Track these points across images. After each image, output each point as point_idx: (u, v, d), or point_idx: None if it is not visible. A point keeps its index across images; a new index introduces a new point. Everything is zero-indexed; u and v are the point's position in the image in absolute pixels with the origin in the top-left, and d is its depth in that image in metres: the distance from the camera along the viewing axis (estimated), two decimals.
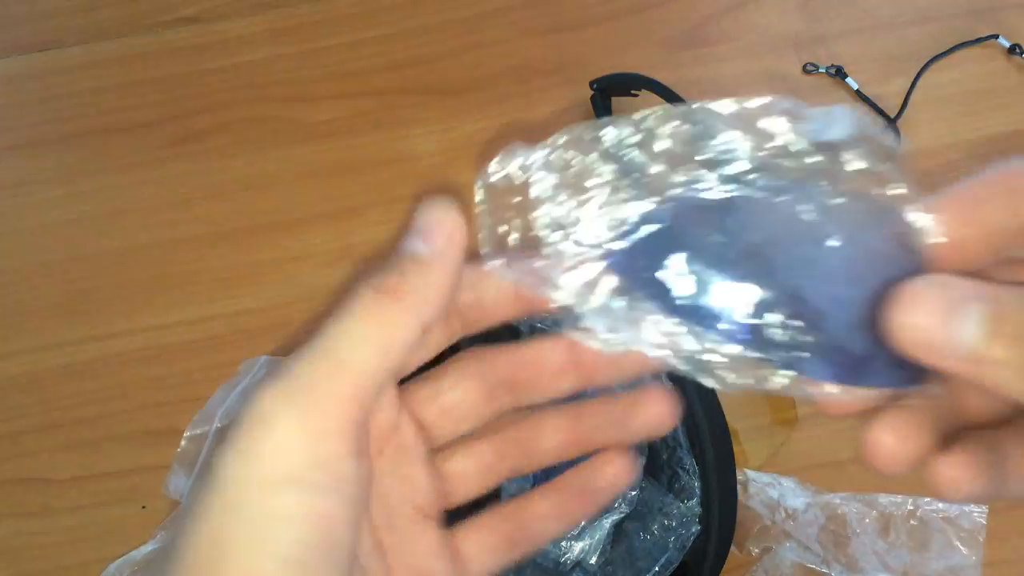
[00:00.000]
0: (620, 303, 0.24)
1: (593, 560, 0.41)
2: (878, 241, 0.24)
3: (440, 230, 0.27)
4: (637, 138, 0.25)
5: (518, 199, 0.25)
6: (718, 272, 0.23)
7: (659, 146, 0.24)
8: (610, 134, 0.25)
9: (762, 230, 0.24)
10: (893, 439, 0.23)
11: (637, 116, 0.25)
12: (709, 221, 0.24)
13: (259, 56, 0.69)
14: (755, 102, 0.24)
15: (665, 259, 0.23)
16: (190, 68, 0.69)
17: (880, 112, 0.62)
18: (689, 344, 0.23)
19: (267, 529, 0.23)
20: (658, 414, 0.28)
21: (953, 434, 0.24)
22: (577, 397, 0.32)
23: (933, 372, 0.22)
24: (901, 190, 0.24)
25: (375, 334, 0.25)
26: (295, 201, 0.63)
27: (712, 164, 0.24)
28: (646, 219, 0.24)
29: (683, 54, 0.67)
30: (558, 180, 0.25)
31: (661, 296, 0.23)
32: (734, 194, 0.24)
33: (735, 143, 0.24)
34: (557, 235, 0.25)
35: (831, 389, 0.23)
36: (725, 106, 0.24)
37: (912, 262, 0.23)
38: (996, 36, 0.64)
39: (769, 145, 0.24)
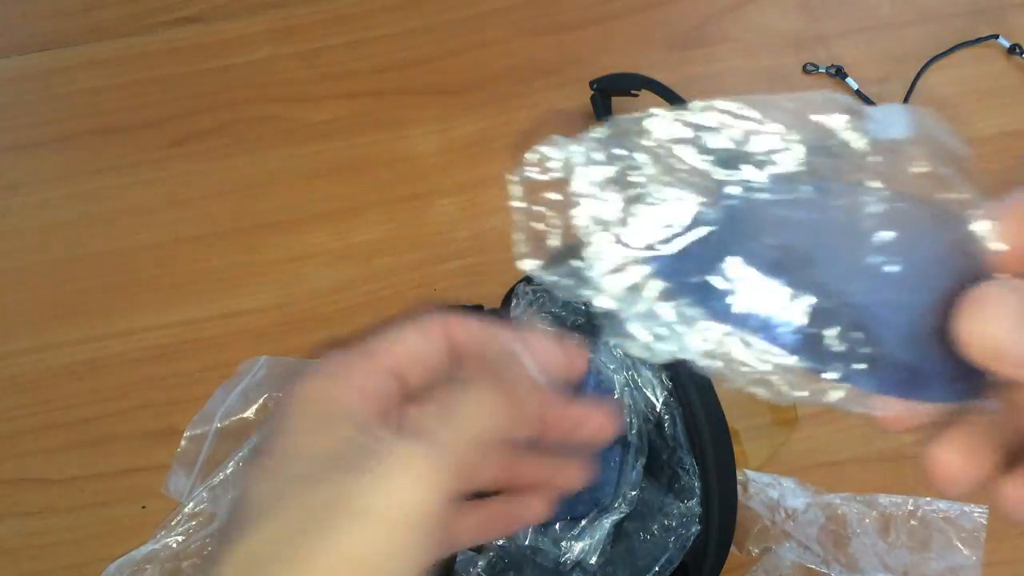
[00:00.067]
0: (667, 309, 0.22)
1: (593, 560, 0.41)
2: (939, 247, 0.22)
3: (558, 365, 0.28)
4: (685, 133, 0.23)
5: (557, 195, 0.24)
6: (771, 278, 0.21)
7: (708, 142, 0.23)
8: (656, 128, 0.23)
9: (818, 234, 0.22)
10: (957, 458, 0.22)
11: (685, 109, 0.23)
12: (762, 224, 0.22)
13: (259, 56, 0.69)
14: (812, 96, 0.23)
15: (715, 263, 0.22)
16: (190, 68, 0.69)
17: None
18: (740, 353, 0.21)
19: None
20: (600, 427, 0.29)
21: (1017, 452, 0.22)
22: None
23: (995, 385, 0.21)
24: (963, 195, 0.22)
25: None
26: (295, 201, 0.63)
27: (764, 163, 0.22)
28: (695, 221, 0.22)
29: (683, 54, 0.67)
30: (601, 176, 0.23)
31: (710, 302, 0.22)
32: (788, 196, 0.22)
33: (789, 141, 0.23)
34: (599, 235, 0.23)
35: (889, 403, 0.22)
36: (779, 101, 0.23)
37: (974, 270, 0.22)
38: (996, 36, 0.64)
39: (825, 143, 0.23)
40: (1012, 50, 0.64)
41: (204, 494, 0.51)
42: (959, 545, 0.47)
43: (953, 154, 0.23)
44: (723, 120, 0.23)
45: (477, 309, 0.49)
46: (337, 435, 0.26)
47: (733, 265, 0.22)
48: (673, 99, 0.57)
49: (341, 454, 0.25)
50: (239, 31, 0.70)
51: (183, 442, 0.53)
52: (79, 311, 0.60)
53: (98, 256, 0.62)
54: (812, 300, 0.21)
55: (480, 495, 0.31)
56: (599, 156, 0.23)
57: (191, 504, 0.51)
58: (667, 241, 0.22)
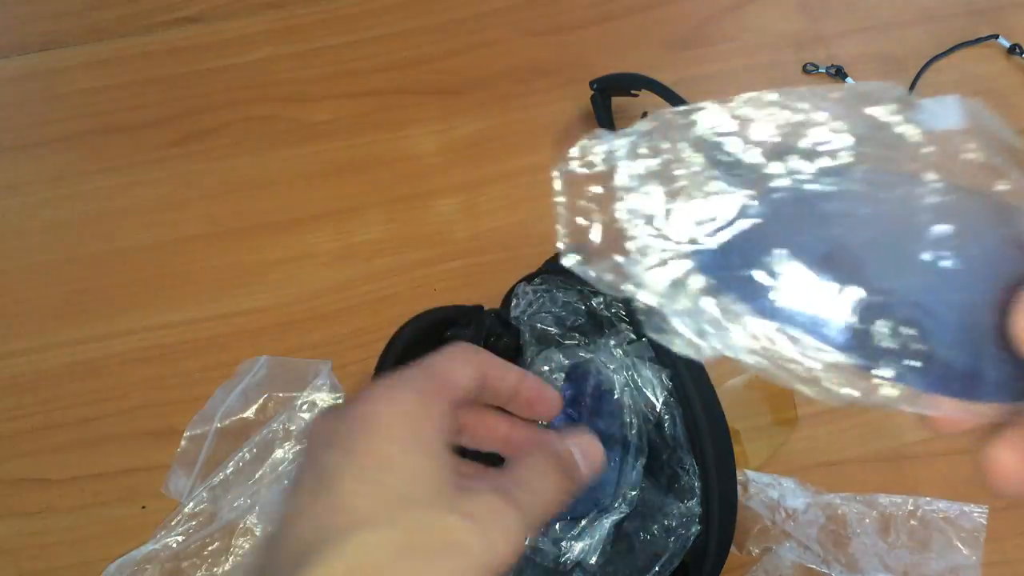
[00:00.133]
0: (711, 304, 0.21)
1: (593, 560, 0.41)
2: (995, 240, 0.21)
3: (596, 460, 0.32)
4: (731, 125, 0.22)
5: (599, 189, 0.23)
6: (820, 272, 0.21)
7: (755, 135, 0.22)
8: (702, 120, 0.22)
9: (868, 227, 0.21)
10: (1015, 458, 0.21)
11: (731, 101, 0.23)
12: (810, 217, 0.21)
13: (259, 56, 0.69)
14: (861, 87, 0.22)
15: (762, 257, 0.21)
16: (190, 68, 0.69)
17: None
18: (787, 350, 0.21)
19: None
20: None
21: None
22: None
23: None
24: (1019, 185, 0.22)
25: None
26: (295, 201, 0.63)
27: (813, 154, 0.22)
28: (741, 214, 0.22)
29: (683, 54, 0.67)
30: (645, 169, 0.22)
31: (756, 297, 0.21)
32: (837, 188, 0.22)
33: (838, 132, 0.22)
34: (642, 229, 0.22)
35: (944, 403, 0.21)
36: (826, 91, 0.22)
37: None
38: (996, 36, 0.64)
39: (876, 134, 0.22)
40: (1012, 50, 0.64)
41: (204, 494, 0.51)
42: (959, 545, 0.47)
43: (1006, 144, 0.22)
44: (770, 112, 0.22)
45: (477, 309, 0.49)
46: (434, 461, 0.29)
47: (780, 259, 0.21)
48: (673, 99, 0.57)
49: (441, 484, 0.28)
50: (239, 31, 0.70)
51: (183, 442, 0.54)
52: (79, 311, 0.60)
53: (98, 256, 0.62)
54: (862, 295, 0.20)
55: None
56: (643, 149, 0.23)
57: (191, 504, 0.51)
58: (712, 235, 0.22)
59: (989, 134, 0.22)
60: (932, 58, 0.64)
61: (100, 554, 0.51)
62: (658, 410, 0.43)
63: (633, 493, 0.42)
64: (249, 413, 0.54)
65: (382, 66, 0.68)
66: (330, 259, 0.60)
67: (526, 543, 0.40)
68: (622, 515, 0.42)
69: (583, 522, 0.41)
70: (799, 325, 0.21)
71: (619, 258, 0.22)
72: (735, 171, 0.22)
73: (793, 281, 0.21)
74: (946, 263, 0.21)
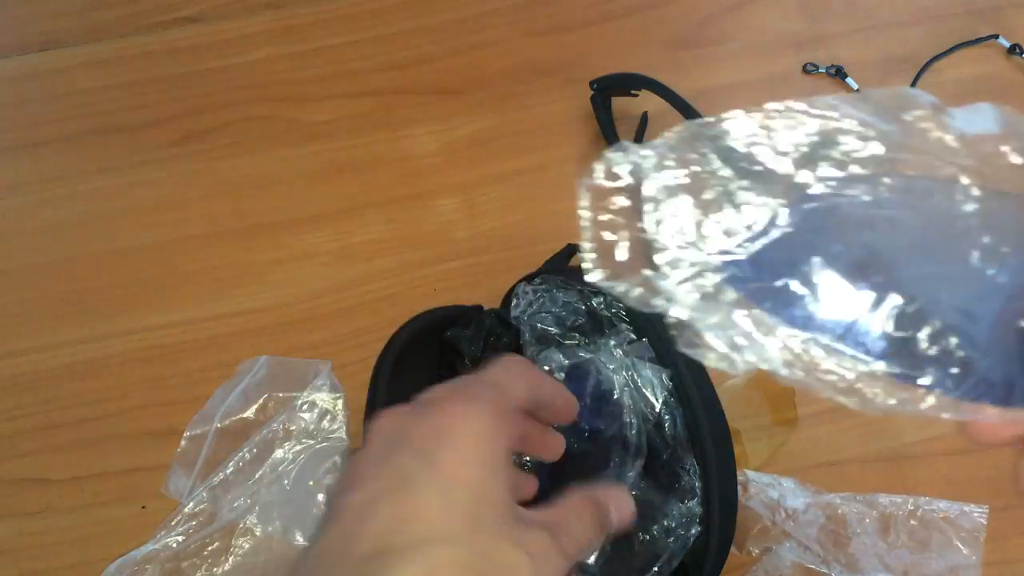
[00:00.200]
0: (744, 317, 0.21)
1: (592, 560, 0.41)
2: None
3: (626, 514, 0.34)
4: (760, 135, 0.22)
5: (627, 202, 0.23)
6: (855, 280, 0.20)
7: (784, 144, 0.22)
8: (730, 131, 0.22)
9: (904, 234, 0.21)
10: None
11: (759, 111, 0.22)
12: (843, 225, 0.21)
13: (259, 56, 0.69)
14: (891, 93, 0.22)
15: (795, 267, 0.21)
16: (190, 68, 0.69)
17: None
18: (824, 361, 0.20)
19: None
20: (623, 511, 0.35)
21: None
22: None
23: None
24: None
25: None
26: (295, 201, 0.63)
27: (843, 162, 0.21)
28: (772, 224, 0.21)
29: (683, 54, 0.67)
30: (673, 181, 0.22)
31: (790, 308, 0.21)
32: (869, 195, 0.21)
33: (868, 139, 0.21)
34: (672, 241, 0.22)
35: (985, 410, 0.20)
36: (856, 99, 0.22)
37: None
38: (996, 36, 0.64)
39: (909, 141, 0.21)
40: (1012, 50, 0.64)
41: (204, 494, 0.51)
42: (959, 545, 0.47)
43: None
44: (799, 121, 0.22)
45: (477, 309, 0.49)
46: (501, 484, 0.30)
47: (813, 268, 0.21)
48: (673, 99, 0.57)
49: (506, 509, 0.30)
50: (239, 31, 0.70)
51: (183, 442, 0.54)
52: (79, 311, 0.60)
53: (98, 256, 0.62)
54: (900, 302, 0.20)
55: None
56: (670, 161, 0.22)
57: (191, 504, 0.51)
58: (743, 246, 0.21)
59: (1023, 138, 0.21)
60: (932, 58, 0.64)
61: (100, 554, 0.51)
62: (658, 410, 0.43)
63: (633, 493, 0.42)
64: (249, 413, 0.54)
65: (382, 66, 0.68)
66: (330, 259, 0.60)
67: None
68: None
69: None
70: (835, 335, 0.20)
71: (648, 272, 0.22)
72: (765, 181, 0.22)
73: (828, 290, 0.20)
74: (986, 269, 0.20)
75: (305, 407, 0.53)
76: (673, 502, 0.41)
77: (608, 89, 0.61)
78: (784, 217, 0.21)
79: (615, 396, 0.43)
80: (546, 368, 0.44)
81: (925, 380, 0.20)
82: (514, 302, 0.47)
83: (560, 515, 0.32)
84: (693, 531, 0.41)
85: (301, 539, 0.49)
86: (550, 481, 0.39)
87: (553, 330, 0.46)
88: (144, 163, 0.65)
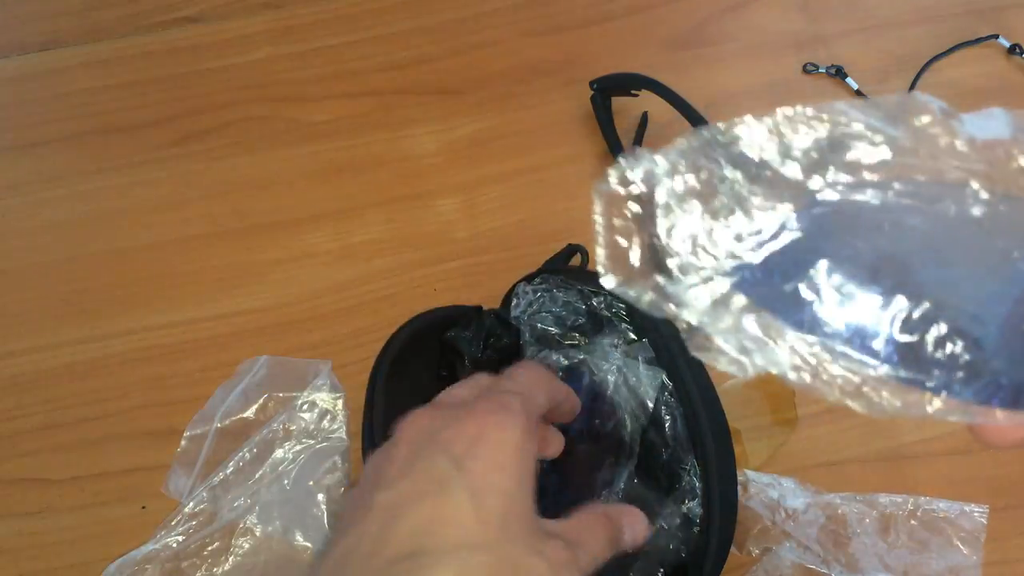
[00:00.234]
0: (753, 322, 0.21)
1: None
2: None
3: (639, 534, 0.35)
4: (771, 141, 0.22)
5: (640, 209, 0.23)
6: (864, 284, 0.21)
7: (796, 149, 0.22)
8: (742, 137, 0.23)
9: (913, 238, 0.21)
10: None
11: (771, 117, 0.23)
12: (853, 229, 0.21)
13: (259, 56, 0.69)
14: (900, 99, 0.22)
15: (803, 271, 0.21)
16: (190, 68, 0.69)
17: None
18: (832, 366, 0.21)
19: None
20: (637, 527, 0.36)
21: None
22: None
23: None
24: None
25: None
26: (295, 201, 0.63)
27: (853, 167, 0.22)
28: (782, 229, 0.22)
29: (683, 54, 0.67)
30: (685, 187, 0.22)
31: (799, 312, 0.21)
32: (880, 200, 0.21)
33: (878, 144, 0.22)
34: (683, 247, 0.22)
35: (997, 414, 0.21)
36: (866, 105, 0.22)
37: None
38: (996, 36, 0.64)
39: (919, 146, 0.22)
40: (1012, 50, 0.64)
41: (204, 494, 0.51)
42: (959, 545, 0.47)
43: None
44: (809, 126, 0.22)
45: (477, 309, 0.49)
46: (528, 493, 0.31)
47: (823, 272, 0.21)
48: (673, 99, 0.56)
49: (531, 519, 0.31)
50: (239, 31, 0.70)
51: (183, 442, 0.54)
52: (79, 311, 0.60)
53: (98, 256, 0.62)
54: (908, 306, 0.20)
55: None
56: (682, 168, 0.23)
57: (191, 504, 0.51)
58: (754, 251, 0.22)
59: None
60: (932, 58, 0.64)
61: (100, 554, 0.51)
62: (657, 410, 0.43)
63: (634, 494, 0.42)
64: (249, 413, 0.54)
65: (382, 66, 0.68)
66: (330, 259, 0.60)
67: None
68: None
69: None
70: (844, 339, 0.21)
71: (660, 278, 0.22)
72: (775, 186, 0.22)
73: (836, 294, 0.21)
74: (995, 273, 0.21)
75: (305, 407, 0.53)
76: (673, 502, 0.41)
77: (608, 89, 0.61)
78: (794, 222, 0.22)
79: (608, 396, 0.43)
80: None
81: (932, 384, 0.20)
82: (514, 302, 0.47)
83: (577, 529, 0.32)
84: (693, 531, 0.41)
85: (301, 539, 0.49)
86: (541, 479, 0.39)
87: (553, 330, 0.46)
88: (144, 163, 0.65)
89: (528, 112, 0.65)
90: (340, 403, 0.53)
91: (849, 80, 0.64)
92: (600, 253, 0.23)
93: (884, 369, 0.20)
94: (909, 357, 0.20)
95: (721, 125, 0.23)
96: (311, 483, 0.51)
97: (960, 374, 0.20)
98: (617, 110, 0.62)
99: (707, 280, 0.22)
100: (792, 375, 0.21)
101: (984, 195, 0.21)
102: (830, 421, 0.52)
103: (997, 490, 0.49)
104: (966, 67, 0.64)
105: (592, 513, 0.34)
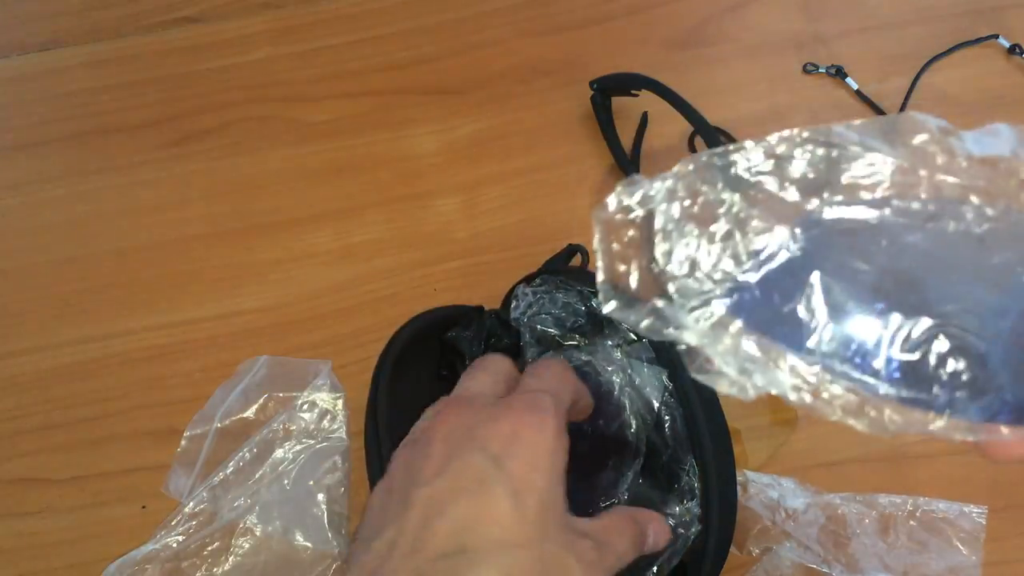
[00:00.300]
0: (753, 343, 0.21)
1: None
2: None
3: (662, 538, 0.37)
4: (769, 164, 0.22)
5: (639, 234, 0.23)
6: (863, 303, 0.21)
7: (793, 172, 0.22)
8: (739, 161, 0.23)
9: (912, 256, 0.21)
10: None
11: (768, 140, 0.23)
12: (850, 248, 0.21)
13: (259, 56, 0.69)
14: (898, 118, 0.22)
15: (802, 292, 0.21)
16: (190, 68, 0.69)
17: (880, 112, 0.62)
18: (833, 385, 0.21)
19: None
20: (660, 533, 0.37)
21: None
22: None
23: None
24: None
25: None
26: (295, 201, 0.63)
27: (852, 188, 0.22)
28: (781, 251, 0.22)
29: (683, 54, 0.67)
30: (683, 212, 0.23)
31: (798, 332, 0.21)
32: (878, 220, 0.21)
33: (876, 164, 0.22)
34: (682, 270, 0.22)
35: (1000, 430, 0.20)
36: (863, 125, 0.22)
37: None
38: (996, 36, 0.64)
39: (918, 165, 0.22)
40: (1012, 50, 0.64)
41: (204, 494, 0.51)
42: (959, 545, 0.47)
43: None
44: (806, 148, 0.22)
45: (477, 310, 0.49)
46: (561, 493, 0.32)
47: (822, 292, 0.21)
48: (673, 99, 0.56)
49: (565, 518, 0.31)
50: (239, 31, 0.70)
51: (183, 442, 0.54)
52: (79, 311, 0.60)
53: (98, 256, 0.62)
54: (908, 325, 0.20)
55: None
56: (680, 192, 0.23)
57: (191, 504, 0.51)
58: (752, 272, 0.22)
59: None
60: (932, 58, 0.64)
61: (100, 554, 0.51)
62: (657, 410, 0.43)
63: (637, 494, 0.42)
64: (249, 413, 0.54)
65: (382, 66, 0.68)
66: (330, 259, 0.60)
67: None
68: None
69: None
70: (844, 359, 0.21)
71: (659, 301, 0.22)
72: (774, 208, 0.22)
73: (836, 314, 0.21)
74: (996, 289, 0.20)
75: (305, 407, 0.53)
76: (673, 502, 0.41)
77: (608, 89, 0.61)
78: (792, 243, 0.22)
79: (614, 396, 0.43)
80: None
81: (936, 402, 0.20)
82: (514, 304, 0.47)
83: (605, 529, 0.33)
84: (693, 531, 0.41)
85: (301, 539, 0.49)
86: None
87: (553, 331, 0.46)
88: (144, 163, 0.65)
89: (528, 112, 0.65)
90: (340, 403, 0.53)
91: (849, 80, 0.64)
92: (599, 278, 0.23)
93: (886, 388, 0.20)
94: (911, 376, 0.20)
95: (719, 149, 0.23)
96: (311, 483, 0.51)
97: (963, 392, 0.20)
98: (617, 110, 0.62)
99: (706, 303, 0.22)
100: (792, 395, 0.21)
101: (985, 211, 0.21)
102: (830, 421, 0.52)
103: (996, 490, 0.49)
104: (966, 67, 0.64)
105: (621, 515, 0.35)
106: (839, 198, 0.22)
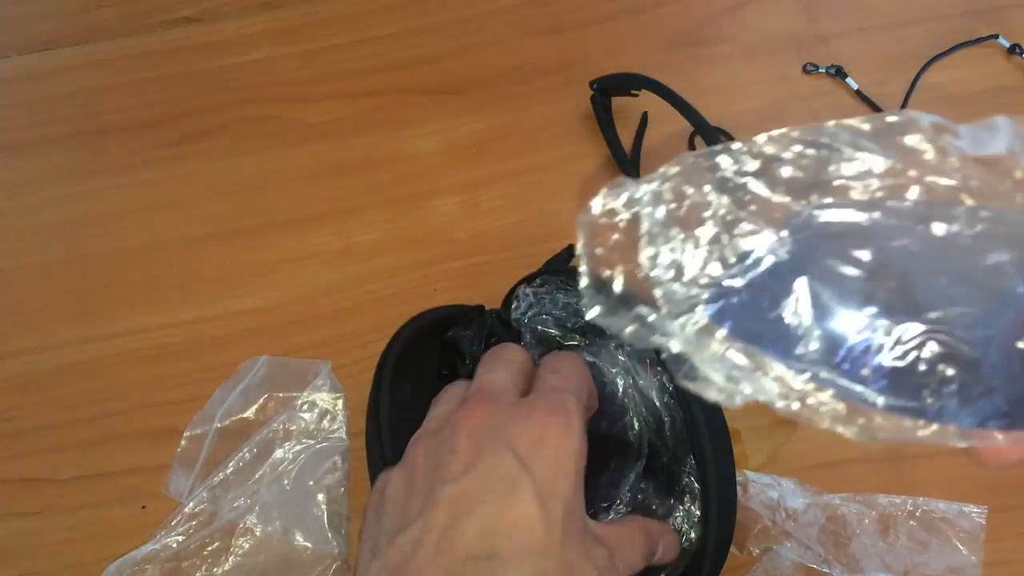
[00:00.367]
0: (739, 351, 0.21)
1: None
2: None
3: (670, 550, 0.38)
4: (756, 165, 0.22)
5: (624, 238, 0.23)
6: (851, 309, 0.20)
7: (781, 173, 0.22)
8: (725, 163, 0.22)
9: (902, 260, 0.20)
10: None
11: (756, 140, 0.22)
12: (839, 251, 0.21)
13: (259, 56, 0.69)
14: (889, 117, 0.21)
15: (789, 297, 0.20)
16: (190, 68, 0.69)
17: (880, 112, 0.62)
18: (821, 393, 0.20)
19: None
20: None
21: None
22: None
23: None
24: None
25: None
26: (295, 201, 0.63)
27: (842, 190, 0.21)
28: (768, 254, 0.21)
29: (683, 54, 0.67)
30: (669, 215, 0.22)
31: (786, 339, 0.20)
32: (868, 222, 0.21)
33: (868, 164, 0.21)
34: (667, 275, 0.22)
35: (992, 436, 0.20)
36: (856, 124, 0.22)
37: None
38: (996, 36, 0.64)
39: (909, 164, 0.21)
40: (1012, 50, 0.64)
41: (204, 494, 0.51)
42: (959, 545, 0.47)
43: None
44: (795, 149, 0.22)
45: (478, 309, 0.49)
46: (582, 497, 0.32)
47: (806, 297, 0.20)
48: (673, 99, 0.56)
49: (584, 522, 0.32)
50: (239, 31, 0.70)
51: (183, 442, 0.54)
52: (79, 311, 0.60)
53: (98, 256, 0.62)
54: (898, 330, 0.20)
55: None
56: (667, 195, 0.22)
57: (191, 504, 0.51)
58: (739, 277, 0.21)
59: None
60: (932, 58, 0.64)
61: (100, 554, 0.51)
62: (659, 411, 0.43)
63: (633, 494, 0.42)
64: (249, 413, 0.54)
65: (382, 66, 0.68)
66: (330, 259, 0.60)
67: None
68: (621, 515, 0.42)
69: None
70: (832, 366, 0.20)
71: (645, 307, 0.22)
72: (762, 210, 0.21)
73: (824, 320, 0.20)
74: (987, 292, 0.20)
75: (305, 407, 0.53)
76: (673, 503, 0.41)
77: (608, 89, 0.61)
78: (780, 246, 0.21)
79: (618, 398, 0.43)
80: None
81: (926, 409, 0.20)
82: (514, 304, 0.47)
83: (619, 537, 0.34)
84: (694, 533, 0.41)
85: (301, 539, 0.49)
86: None
87: (554, 332, 0.46)
88: (144, 163, 0.65)
89: (528, 112, 0.65)
90: (340, 403, 0.53)
91: (849, 80, 0.64)
92: (583, 282, 0.23)
93: (875, 396, 0.20)
94: (901, 383, 0.20)
95: (706, 150, 0.22)
96: (311, 483, 0.51)
97: (954, 398, 0.20)
98: (617, 110, 0.62)
99: (692, 308, 0.21)
100: (780, 403, 0.21)
101: (978, 212, 0.21)
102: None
103: (996, 490, 0.49)
104: (966, 67, 0.64)
105: (635, 525, 0.36)
106: (828, 200, 0.21)
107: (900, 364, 0.20)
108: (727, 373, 0.21)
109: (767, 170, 0.22)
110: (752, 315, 0.21)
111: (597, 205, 0.23)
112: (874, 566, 0.47)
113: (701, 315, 0.21)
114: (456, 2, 0.70)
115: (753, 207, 0.22)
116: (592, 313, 0.22)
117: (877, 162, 0.21)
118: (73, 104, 0.68)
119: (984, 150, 0.21)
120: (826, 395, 0.20)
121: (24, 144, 0.67)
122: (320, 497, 0.50)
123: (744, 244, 0.21)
